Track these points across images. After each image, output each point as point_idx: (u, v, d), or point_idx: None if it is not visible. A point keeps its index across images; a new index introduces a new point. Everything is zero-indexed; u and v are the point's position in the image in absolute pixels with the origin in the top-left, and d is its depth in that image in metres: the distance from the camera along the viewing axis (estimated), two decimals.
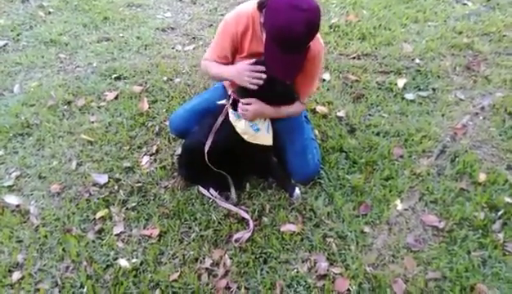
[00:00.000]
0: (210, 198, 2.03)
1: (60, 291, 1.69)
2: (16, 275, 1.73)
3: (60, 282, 1.71)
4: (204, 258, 1.80)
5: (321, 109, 2.61)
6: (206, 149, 1.92)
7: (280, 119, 2.00)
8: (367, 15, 3.62)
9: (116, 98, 2.74)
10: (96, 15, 3.72)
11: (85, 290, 1.67)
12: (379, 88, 2.80)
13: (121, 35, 3.45)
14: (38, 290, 1.69)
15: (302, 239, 1.88)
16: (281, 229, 1.91)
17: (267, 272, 1.75)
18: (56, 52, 3.23)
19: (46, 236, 1.88)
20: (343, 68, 2.99)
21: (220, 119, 1.92)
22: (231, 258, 1.79)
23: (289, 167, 2.12)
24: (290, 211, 2.01)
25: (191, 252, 1.82)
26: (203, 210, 2.00)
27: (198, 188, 2.08)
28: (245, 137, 1.89)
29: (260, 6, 1.72)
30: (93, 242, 1.87)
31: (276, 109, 1.87)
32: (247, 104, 1.82)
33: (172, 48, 3.29)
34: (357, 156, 2.26)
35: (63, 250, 1.82)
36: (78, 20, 3.63)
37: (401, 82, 2.82)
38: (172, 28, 3.58)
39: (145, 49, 3.27)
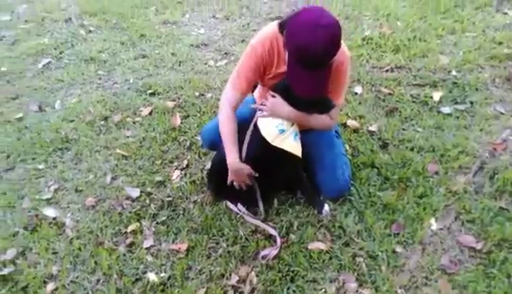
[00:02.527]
0: (238, 214, 2.03)
1: None
2: (50, 286, 1.79)
3: None
4: (230, 274, 1.80)
5: (352, 123, 2.57)
6: (243, 157, 1.92)
7: (310, 133, 1.99)
8: (401, 26, 3.55)
9: (150, 113, 2.82)
10: (133, 32, 3.87)
11: None
12: (414, 101, 2.73)
13: (157, 52, 3.56)
14: None
15: (330, 258, 1.84)
16: (309, 247, 1.87)
17: (294, 291, 1.72)
18: (95, 69, 3.37)
19: (80, 248, 1.95)
20: (375, 81, 2.94)
21: (250, 128, 1.93)
22: (257, 275, 1.78)
23: (318, 182, 2.09)
24: (319, 228, 1.97)
25: (218, 268, 1.82)
26: (230, 225, 2.00)
27: (226, 203, 2.08)
28: (270, 139, 1.86)
29: (281, 28, 1.73)
30: (124, 255, 1.91)
31: (300, 114, 1.85)
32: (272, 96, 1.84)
33: (205, 64, 3.36)
34: (390, 172, 2.20)
35: (95, 263, 1.87)
36: (117, 38, 3.79)
37: (436, 95, 2.73)
38: (206, 45, 3.66)
39: (180, 65, 3.36)
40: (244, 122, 1.97)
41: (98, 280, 1.82)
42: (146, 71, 3.31)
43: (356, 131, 2.53)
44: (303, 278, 1.76)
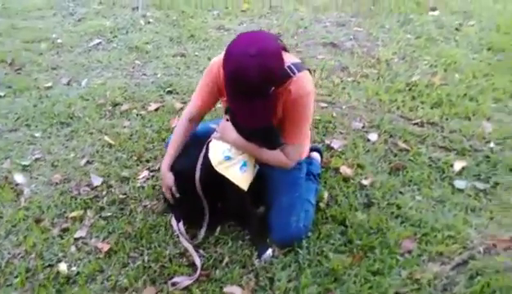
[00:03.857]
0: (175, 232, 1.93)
1: None
2: None
3: (3, 265, 1.79)
4: (133, 291, 1.70)
5: (345, 170, 2.31)
6: (197, 176, 1.82)
7: (273, 169, 1.83)
8: (457, 80, 3.14)
9: (156, 110, 2.84)
10: (185, 31, 3.96)
11: (16, 280, 1.72)
12: (429, 165, 2.36)
13: (196, 54, 3.60)
14: None
15: None
16: (224, 290, 1.70)
17: None
18: (134, 58, 3.51)
19: (21, 219, 2.00)
20: (396, 132, 2.62)
21: (204, 147, 1.83)
22: None
23: (269, 222, 1.91)
24: (248, 272, 1.79)
25: (125, 280, 1.73)
26: (163, 241, 1.91)
27: (170, 217, 1.99)
28: (214, 164, 1.74)
29: None
30: (53, 238, 1.92)
31: (247, 144, 1.70)
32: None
33: None
34: (356, 235, 1.92)
35: (24, 237, 1.91)
36: (168, 34, 3.92)
37: (458, 165, 2.34)
38: None
39: None
40: (205, 138, 1.87)
41: (18, 254, 1.85)
42: (176, 70, 3.36)
43: (346, 180, 2.27)
44: None
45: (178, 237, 1.91)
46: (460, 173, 2.30)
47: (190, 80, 3.20)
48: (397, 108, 2.85)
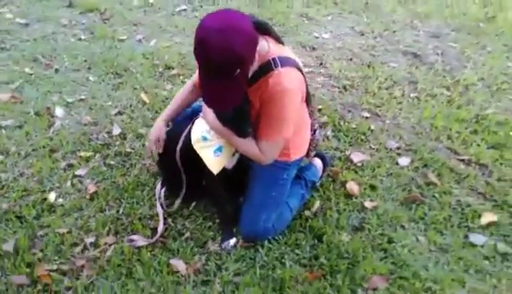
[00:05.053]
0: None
1: None
2: None
3: (9, 181, 2.06)
4: (96, 235, 1.83)
5: (352, 186, 2.14)
6: (178, 146, 1.88)
7: (256, 163, 1.78)
8: None
9: None
10: (266, 12, 3.96)
11: (12, 195, 1.97)
12: (453, 208, 2.07)
13: None
14: None
15: (178, 283, 1.67)
16: (170, 261, 1.74)
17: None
18: None
19: (41, 146, 2.27)
20: (434, 163, 2.32)
21: (191, 122, 1.85)
22: (105, 251, 1.76)
23: (241, 213, 1.87)
24: (203, 253, 1.79)
25: (93, 224, 1.87)
26: (142, 199, 2.00)
27: (158, 181, 2.07)
28: (193, 141, 1.75)
29: None
30: (57, 169, 2.14)
31: (222, 128, 1.66)
32: None
33: None
34: (326, 253, 1.79)
35: (36, 161, 2.17)
36: (258, 11, 3.94)
37: (487, 218, 2.00)
38: (312, 48, 3.49)
39: None
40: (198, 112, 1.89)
41: (24, 174, 2.10)
42: None
43: (348, 196, 2.10)
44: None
45: (156, 200, 1.98)
46: (484, 227, 1.97)
47: None
48: (448, 138, 2.51)
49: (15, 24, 3.47)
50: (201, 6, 4.04)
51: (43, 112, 2.50)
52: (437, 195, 2.13)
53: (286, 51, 1.61)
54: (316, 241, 1.86)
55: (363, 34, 3.77)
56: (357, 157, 2.35)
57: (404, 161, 2.34)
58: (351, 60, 3.35)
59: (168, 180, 1.99)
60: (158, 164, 2.02)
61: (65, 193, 2.02)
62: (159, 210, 1.92)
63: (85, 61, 3.05)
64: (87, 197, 2.00)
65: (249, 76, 1.54)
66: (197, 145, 1.75)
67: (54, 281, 1.63)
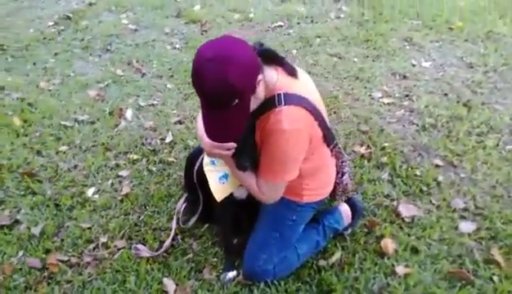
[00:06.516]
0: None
1: None
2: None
3: (59, 170, 2.30)
4: (111, 236, 1.91)
5: (387, 245, 1.85)
6: (196, 167, 1.88)
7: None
8: None
9: None
10: (366, 33, 3.71)
11: (60, 183, 2.19)
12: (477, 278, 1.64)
13: (355, 60, 3.36)
14: None
15: None
16: (163, 280, 1.72)
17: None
18: (297, 47, 3.56)
19: (100, 143, 2.48)
20: (503, 238, 1.88)
21: None
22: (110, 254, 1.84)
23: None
24: (198, 279, 1.74)
25: (113, 225, 1.96)
26: (163, 211, 2.04)
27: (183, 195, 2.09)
28: (204, 163, 1.72)
29: None
30: (105, 167, 2.30)
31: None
32: None
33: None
34: None
35: (91, 156, 2.38)
36: (349, 32, 3.75)
37: None
38: (405, 77, 3.14)
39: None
40: None
41: (76, 167, 2.32)
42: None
43: (380, 255, 1.82)
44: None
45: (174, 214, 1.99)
46: None
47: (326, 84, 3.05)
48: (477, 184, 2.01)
49: (127, 29, 3.89)
50: (298, 24, 3.97)
51: (116, 112, 2.73)
52: (496, 279, 1.71)
53: (297, 86, 1.45)
54: None
55: (472, 67, 3.26)
56: (407, 210, 2.03)
57: (467, 227, 1.94)
58: (445, 95, 2.92)
59: (189, 197, 1.99)
60: (184, 180, 2.03)
61: (102, 190, 2.16)
62: (174, 225, 1.92)
63: (169, 69, 3.25)
64: (119, 198, 2.12)
65: (256, 107, 1.43)
66: (206, 168, 1.70)
67: (60, 271, 1.76)
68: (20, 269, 1.76)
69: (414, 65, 3.29)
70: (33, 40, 3.69)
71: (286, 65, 1.47)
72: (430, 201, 2.09)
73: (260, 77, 1.36)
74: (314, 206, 1.72)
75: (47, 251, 1.84)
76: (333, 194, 1.82)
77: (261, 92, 1.40)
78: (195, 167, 1.82)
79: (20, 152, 2.38)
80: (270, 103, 1.42)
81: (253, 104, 1.41)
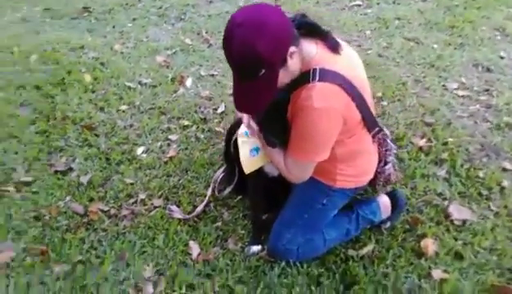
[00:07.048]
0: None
1: None
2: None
3: (117, 127, 2.42)
4: (149, 195, 1.99)
5: (427, 245, 1.70)
6: (234, 138, 1.88)
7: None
8: None
9: None
10: (466, 23, 3.36)
11: (114, 140, 2.32)
12: None
13: (429, 41, 3.09)
14: None
15: (184, 265, 1.69)
16: (189, 242, 1.76)
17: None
18: (369, 28, 3.36)
19: (157, 107, 2.57)
20: None
21: None
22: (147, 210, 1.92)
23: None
24: (223, 248, 1.75)
25: (154, 184, 2.03)
26: (203, 177, 2.07)
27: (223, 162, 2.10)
28: (239, 133, 1.70)
29: None
30: (157, 129, 2.39)
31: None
32: None
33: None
34: None
35: (147, 118, 2.48)
36: (443, 16, 3.45)
37: None
38: (488, 70, 2.81)
39: None
40: None
41: (131, 126, 2.43)
42: None
43: (417, 255, 1.68)
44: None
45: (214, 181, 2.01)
46: None
47: None
48: None
49: (204, 0, 3.95)
50: (378, 4, 3.73)
51: (178, 79, 2.81)
52: None
53: (337, 63, 1.35)
54: (341, 288, 1.57)
55: None
56: (459, 213, 1.84)
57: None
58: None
59: (227, 167, 1.99)
60: (223, 150, 2.04)
61: (150, 150, 2.25)
62: (209, 192, 1.95)
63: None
64: (164, 160, 2.19)
65: (289, 81, 1.37)
66: (240, 139, 1.68)
67: (98, 220, 1.88)
68: (65, 212, 1.91)
69: (502, 58, 2.93)
70: (117, 4, 3.91)
71: (329, 40, 1.38)
72: (488, 206, 1.87)
73: (293, 49, 1.28)
74: (348, 193, 1.63)
75: (91, 200, 1.97)
76: (373, 184, 1.70)
77: (294, 65, 1.33)
78: (234, 138, 1.81)
79: (85, 106, 2.55)
80: (304, 77, 1.34)
81: (286, 78, 1.35)
